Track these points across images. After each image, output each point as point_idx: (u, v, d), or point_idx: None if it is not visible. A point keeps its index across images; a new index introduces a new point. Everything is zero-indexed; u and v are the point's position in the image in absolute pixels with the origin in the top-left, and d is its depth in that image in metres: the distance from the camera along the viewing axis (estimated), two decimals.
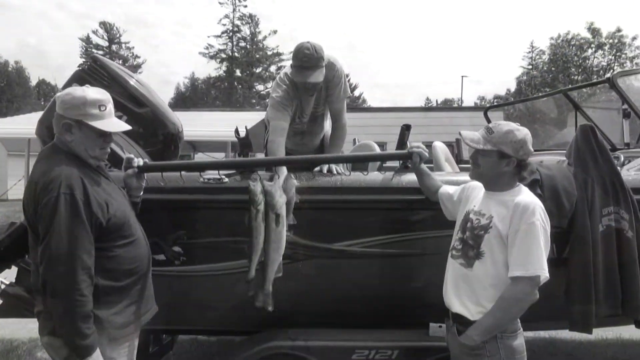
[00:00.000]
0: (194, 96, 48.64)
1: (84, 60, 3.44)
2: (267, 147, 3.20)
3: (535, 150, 4.35)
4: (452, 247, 2.26)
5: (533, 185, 2.66)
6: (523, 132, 2.12)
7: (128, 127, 2.19)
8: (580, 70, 38.66)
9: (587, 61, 39.04)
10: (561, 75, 38.05)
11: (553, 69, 39.61)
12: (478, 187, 2.29)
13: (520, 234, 1.99)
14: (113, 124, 2.09)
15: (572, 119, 4.86)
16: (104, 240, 1.97)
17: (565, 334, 4.95)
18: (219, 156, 13.65)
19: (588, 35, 38.52)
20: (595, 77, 33.16)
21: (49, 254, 1.84)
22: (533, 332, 4.64)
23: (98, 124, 2.02)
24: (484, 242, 2.09)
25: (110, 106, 2.09)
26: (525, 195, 2.11)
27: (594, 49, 38.72)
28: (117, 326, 2.00)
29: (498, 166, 2.11)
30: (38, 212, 1.88)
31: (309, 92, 3.13)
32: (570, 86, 4.63)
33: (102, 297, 1.96)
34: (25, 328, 4.90)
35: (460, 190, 2.44)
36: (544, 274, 1.98)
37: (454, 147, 5.52)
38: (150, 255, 2.23)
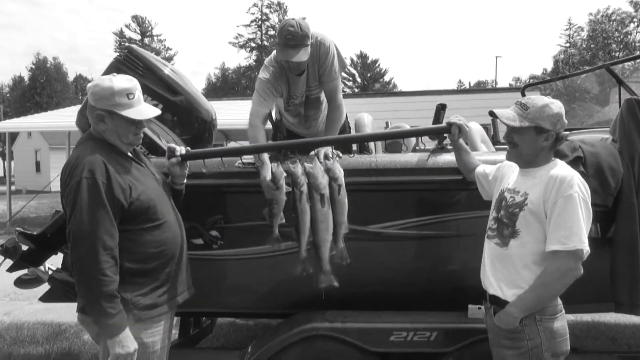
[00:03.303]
0: (224, 86, 49.08)
1: (119, 52, 3.51)
2: (248, 133, 3.07)
3: (574, 129, 4.23)
4: (488, 227, 2.22)
5: (576, 163, 2.57)
6: (557, 104, 2.06)
7: (158, 112, 2.24)
8: (621, 46, 37.08)
9: (628, 36, 37.42)
10: (601, 53, 36.59)
11: (592, 46, 38.16)
12: (514, 165, 2.23)
13: (557, 207, 1.93)
14: (143, 111, 2.14)
15: (615, 96, 4.65)
16: (128, 222, 2.04)
17: (608, 317, 4.82)
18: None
19: (630, 9, 36.94)
20: (638, 52, 31.68)
21: (72, 235, 1.93)
22: (575, 315, 4.54)
23: (128, 113, 2.08)
24: (519, 219, 2.04)
25: (139, 93, 2.14)
26: (560, 168, 2.05)
27: (636, 24, 37.06)
28: (141, 307, 2.05)
29: (536, 142, 2.05)
30: (64, 197, 1.99)
31: (295, 71, 3.01)
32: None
33: (127, 278, 2.02)
34: (73, 312, 5.04)
35: (496, 169, 2.39)
36: (585, 247, 1.91)
37: (490, 128, 5.39)
38: (182, 239, 2.27)
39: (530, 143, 2.06)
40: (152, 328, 2.11)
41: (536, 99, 2.09)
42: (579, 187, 1.95)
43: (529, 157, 2.10)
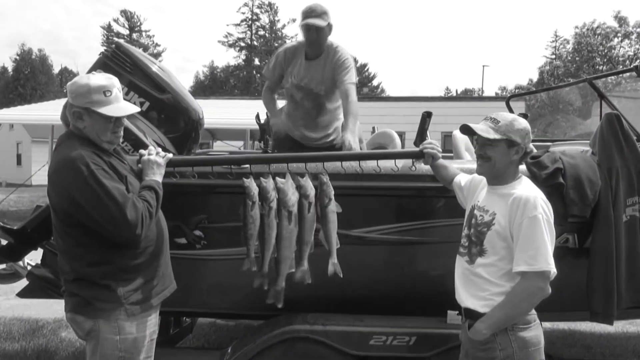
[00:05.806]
0: (213, 85, 48.81)
1: (106, 47, 3.48)
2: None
3: (557, 140, 4.31)
4: (460, 244, 2.25)
5: (556, 174, 2.63)
6: (524, 120, 2.14)
7: (136, 109, 2.25)
8: (605, 60, 37.80)
9: (612, 51, 38.16)
10: (585, 65, 37.24)
11: (577, 58, 38.83)
12: (484, 179, 2.25)
13: (523, 228, 1.97)
14: (120, 108, 2.12)
15: (597, 109, 4.75)
16: None
17: (584, 326, 4.91)
18: (238, 144, 13.73)
19: (614, 24, 37.65)
20: (620, 67, 32.32)
21: (108, 222, 1.96)
22: (551, 323, 4.61)
23: (104, 110, 2.06)
24: (487, 238, 2.07)
25: (116, 90, 2.12)
26: (524, 188, 2.07)
27: (620, 38, 37.85)
28: (133, 302, 2.07)
29: (508, 156, 2.09)
30: (71, 197, 1.96)
31: (312, 39, 3.34)
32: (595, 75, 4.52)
33: (119, 274, 2.05)
34: (51, 309, 5.05)
35: (470, 180, 2.40)
36: (551, 268, 1.95)
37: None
38: (165, 235, 2.29)
39: (502, 156, 2.09)
40: (143, 322, 2.13)
41: (504, 114, 2.14)
42: (542, 209, 1.99)
43: (500, 172, 2.12)
